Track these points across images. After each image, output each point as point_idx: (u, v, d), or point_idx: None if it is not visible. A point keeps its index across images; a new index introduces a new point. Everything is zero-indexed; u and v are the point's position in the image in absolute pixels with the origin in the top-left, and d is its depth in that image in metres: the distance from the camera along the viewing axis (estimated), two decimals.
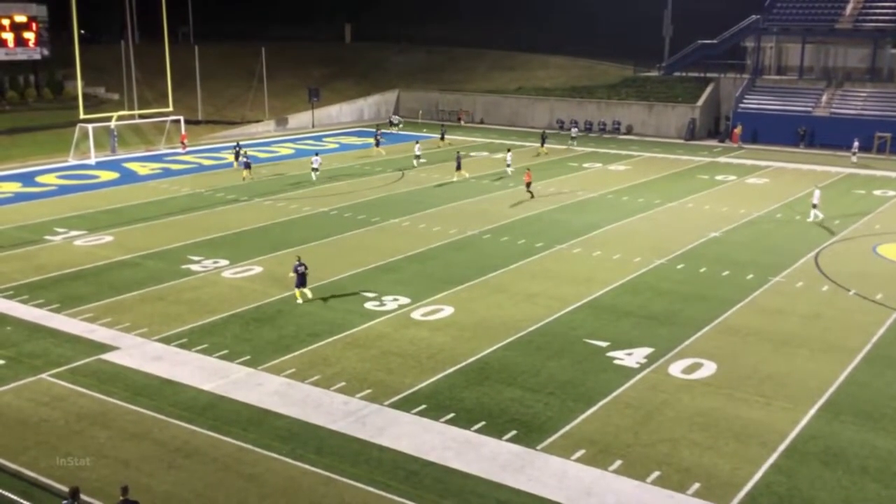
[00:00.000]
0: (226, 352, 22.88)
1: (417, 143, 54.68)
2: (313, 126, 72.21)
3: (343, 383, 20.90)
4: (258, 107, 71.41)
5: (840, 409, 19.64)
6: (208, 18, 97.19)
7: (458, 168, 47.68)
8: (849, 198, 44.26)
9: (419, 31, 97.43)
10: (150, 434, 18.36)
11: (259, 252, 32.66)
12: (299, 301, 26.72)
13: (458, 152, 50.27)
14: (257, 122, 69.61)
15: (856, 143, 55.52)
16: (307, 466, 17.06)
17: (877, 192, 45.53)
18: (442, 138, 62.52)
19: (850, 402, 19.95)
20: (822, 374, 21.57)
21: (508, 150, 52.36)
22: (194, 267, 30.73)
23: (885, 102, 62.01)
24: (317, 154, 49.91)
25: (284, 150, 59.82)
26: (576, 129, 63.66)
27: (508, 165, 49.74)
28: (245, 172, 47.37)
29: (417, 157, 52.88)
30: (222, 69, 77.94)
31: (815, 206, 38.80)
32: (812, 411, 19.50)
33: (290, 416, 19.21)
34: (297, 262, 26.88)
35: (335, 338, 23.93)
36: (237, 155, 50.85)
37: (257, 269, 30.49)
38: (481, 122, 74.78)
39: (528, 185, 43.17)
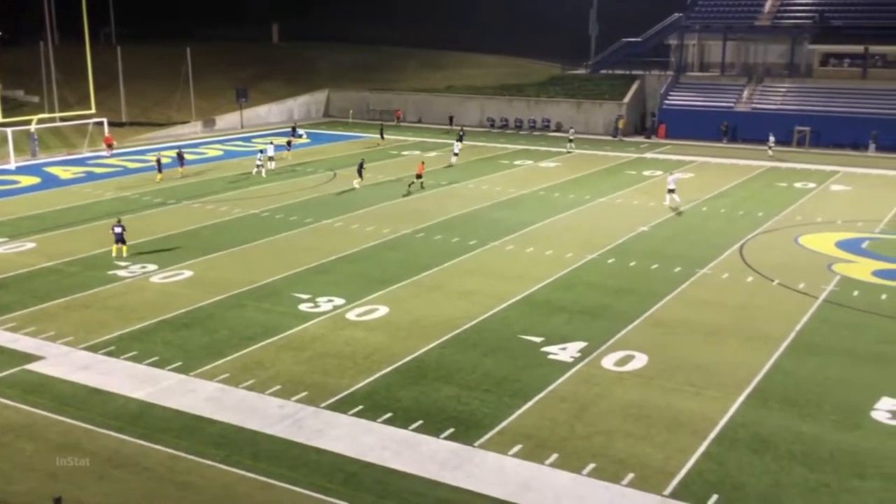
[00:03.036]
0: (156, 358, 22.41)
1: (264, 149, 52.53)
2: (242, 127, 71.24)
3: (278, 387, 20.67)
4: (185, 108, 70.12)
5: (767, 396, 20.21)
6: (132, 19, 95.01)
7: (360, 174, 45.21)
8: (771, 190, 45.57)
9: (348, 31, 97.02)
10: (79, 445, 17.86)
11: (188, 256, 32.06)
12: (114, 255, 30.96)
13: (361, 159, 47.68)
14: (184, 123, 68.36)
15: (771, 138, 57.16)
16: (243, 472, 16.82)
17: (797, 185, 46.98)
18: (381, 137, 62.81)
19: (777, 390, 20.54)
20: (749, 362, 22.17)
21: (458, 140, 55.53)
22: (121, 272, 30.02)
23: (803, 97, 64.05)
24: (267, 145, 51.41)
25: (213, 151, 58.87)
26: (572, 130, 62.86)
27: (456, 154, 52.76)
28: (159, 176, 46.79)
29: (270, 159, 50.85)
30: (147, 70, 76.28)
31: (671, 191, 40.48)
32: (740, 399, 20.02)
33: (225, 421, 18.91)
34: (116, 223, 31.36)
35: (269, 341, 23.65)
36: (181, 158, 49.68)
37: (187, 274, 29.93)
38: (419, 122, 74.57)
39: (419, 176, 44.48)
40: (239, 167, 52.32)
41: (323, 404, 19.74)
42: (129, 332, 24.26)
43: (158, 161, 47.72)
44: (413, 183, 44.52)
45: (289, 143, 56.91)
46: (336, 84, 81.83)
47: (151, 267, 30.62)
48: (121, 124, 65.16)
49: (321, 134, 66.55)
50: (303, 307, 26.38)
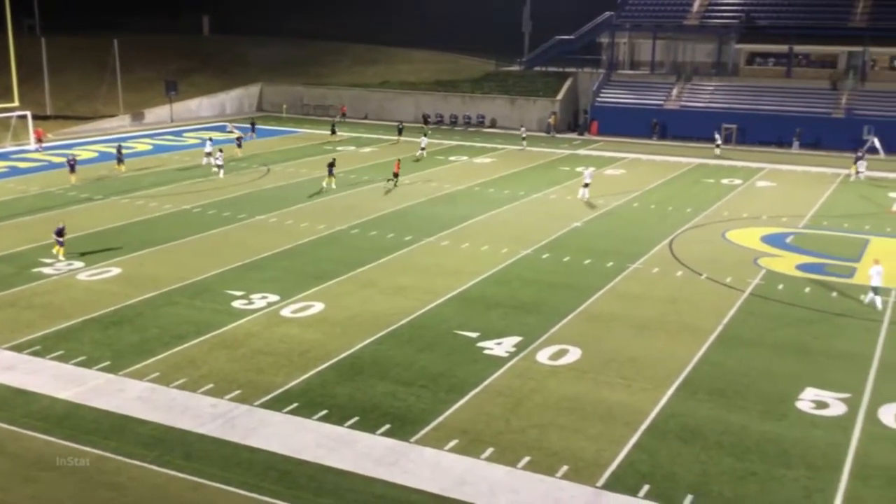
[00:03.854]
0: (83, 358, 21.85)
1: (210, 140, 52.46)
2: (172, 121, 69.82)
3: (211, 385, 20.35)
4: (112, 101, 68.40)
5: (696, 387, 20.68)
6: (57, 9, 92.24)
7: (330, 174, 43.95)
8: (699, 187, 46.59)
9: (281, 24, 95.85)
10: (4, 447, 17.32)
11: (117, 253, 31.33)
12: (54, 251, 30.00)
13: (332, 158, 46.06)
14: (111, 116, 66.67)
15: (717, 136, 58.32)
16: (174, 473, 16.52)
17: (724, 181, 48.13)
18: (333, 133, 62.25)
19: (705, 381, 21.04)
20: (678, 355, 22.65)
21: (425, 135, 56.71)
22: (46, 270, 29.17)
23: (730, 95, 65.61)
24: (211, 139, 51.11)
25: (141, 145, 57.57)
26: (523, 129, 63.12)
27: (423, 149, 53.76)
28: (72, 177, 43.67)
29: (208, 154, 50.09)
30: (73, 62, 74.17)
31: (586, 186, 41.37)
32: (670, 391, 20.45)
33: (155, 421, 18.55)
34: (58, 226, 30.33)
35: (202, 338, 23.27)
36: (119, 155, 48.02)
37: (115, 271, 29.24)
38: (365, 118, 73.77)
39: (396, 175, 44.45)
40: (169, 162, 51.33)
41: (257, 402, 19.51)
42: (55, 331, 23.61)
43: (70, 162, 44.25)
44: (391, 180, 44.44)
45: (239, 141, 55.06)
46: (269, 78, 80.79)
47: (78, 264, 29.83)
48: (45, 118, 63.21)
49: (244, 128, 65.45)
50: (236, 304, 26.02)
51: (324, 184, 44.05)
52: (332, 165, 44.09)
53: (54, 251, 30.36)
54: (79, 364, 21.49)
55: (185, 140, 60.53)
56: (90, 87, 70.98)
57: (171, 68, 78.32)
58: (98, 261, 30.27)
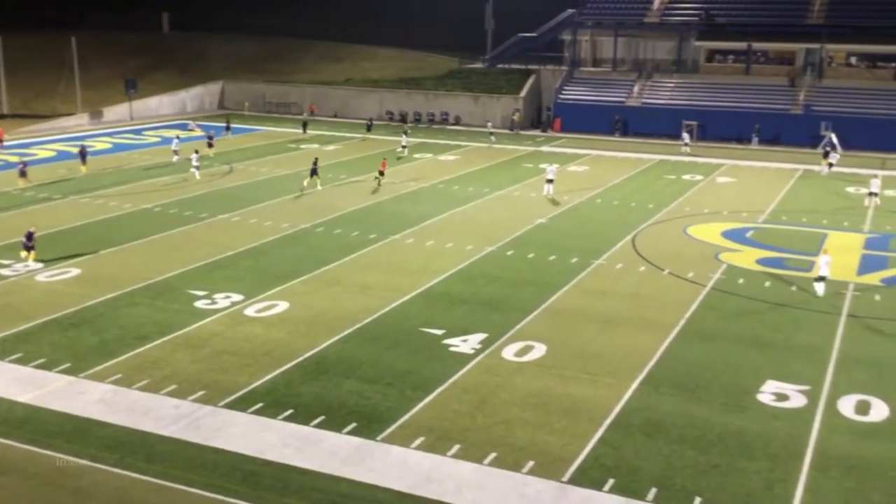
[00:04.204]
0: (43, 360, 21.48)
1: (177, 138, 51.46)
2: (131, 119, 68.93)
3: (174, 386, 20.14)
4: (70, 99, 67.33)
5: (659, 381, 20.90)
6: (13, 7, 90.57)
7: (313, 174, 42.80)
8: (661, 182, 47.06)
9: (242, 21, 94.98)
10: None
11: (77, 253, 30.85)
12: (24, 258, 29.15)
13: (315, 158, 45.20)
14: (69, 115, 65.63)
15: (685, 135, 58.76)
16: (137, 475, 16.32)
17: (685, 177, 48.65)
18: (304, 132, 61.92)
19: (668, 375, 21.27)
20: (642, 349, 22.87)
21: (405, 133, 56.61)
22: (4, 271, 28.65)
23: (690, 92, 66.33)
24: (178, 137, 50.42)
25: (101, 144, 56.71)
26: (490, 125, 63.08)
27: (404, 146, 53.83)
28: (21, 181, 41.92)
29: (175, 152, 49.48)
30: (30, 60, 72.91)
31: (549, 182, 41.78)
32: (634, 385, 20.64)
33: (117, 424, 18.30)
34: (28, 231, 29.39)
35: (164, 339, 23.01)
36: (83, 154, 46.63)
37: (75, 272, 28.80)
38: (335, 116, 73.33)
39: (381, 173, 44.05)
40: (129, 160, 50.66)
41: (221, 403, 19.35)
42: (13, 334, 23.20)
43: (21, 169, 42.52)
44: (377, 178, 43.98)
45: (210, 139, 53.26)
46: (230, 75, 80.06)
47: (36, 265, 29.33)
48: (2, 116, 62.12)
49: (216, 127, 64.90)
50: (199, 304, 25.76)
51: (305, 183, 42.86)
52: (315, 166, 43.06)
53: (23, 255, 29.48)
54: (38, 367, 21.13)
55: (145, 138, 59.77)
56: (48, 86, 69.83)
57: (130, 66, 77.31)
58: (57, 261, 29.78)
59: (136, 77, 70.91)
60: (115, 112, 68.84)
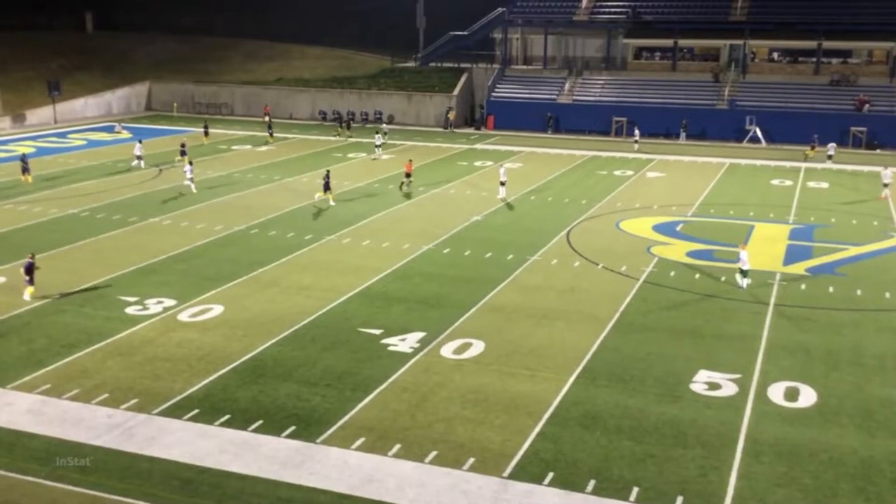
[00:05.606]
0: None
1: (140, 142, 50.30)
2: (56, 122, 67.05)
3: (106, 395, 19.67)
4: None
5: (596, 374, 21.20)
6: None
7: (326, 189, 39.28)
8: (593, 178, 47.71)
9: (166, 20, 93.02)
10: None
11: None
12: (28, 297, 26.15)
13: (327, 171, 41.70)
14: None
15: (636, 131, 59.51)
16: (70, 487, 15.90)
17: (616, 173, 49.42)
18: (270, 135, 60.05)
19: (604, 368, 21.59)
20: (578, 343, 23.17)
21: (385, 133, 56.09)
22: None
23: (619, 89, 67.39)
24: (140, 141, 49.58)
25: (24, 148, 54.92)
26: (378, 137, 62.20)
27: (378, 146, 53.32)
28: None
29: (139, 157, 48.18)
30: None
31: (502, 184, 41.93)
32: (571, 379, 20.90)
33: (47, 435, 17.81)
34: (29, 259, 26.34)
35: (94, 347, 22.46)
36: (24, 165, 44.18)
37: (0, 280, 27.94)
38: (290, 117, 71.83)
39: (408, 175, 43.42)
40: (53, 165, 49.28)
41: (155, 410, 18.97)
42: None
43: None
44: (404, 182, 43.25)
45: (183, 148, 49.72)
46: (157, 76, 78.47)
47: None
48: None
49: (144, 129, 63.63)
50: (130, 310, 25.21)
51: (316, 196, 39.90)
52: (327, 179, 39.63)
53: (25, 291, 26.14)
54: None
55: (70, 142, 58.18)
56: None
57: (52, 67, 75.19)
58: None
59: (60, 79, 68.97)
60: (39, 115, 66.90)
